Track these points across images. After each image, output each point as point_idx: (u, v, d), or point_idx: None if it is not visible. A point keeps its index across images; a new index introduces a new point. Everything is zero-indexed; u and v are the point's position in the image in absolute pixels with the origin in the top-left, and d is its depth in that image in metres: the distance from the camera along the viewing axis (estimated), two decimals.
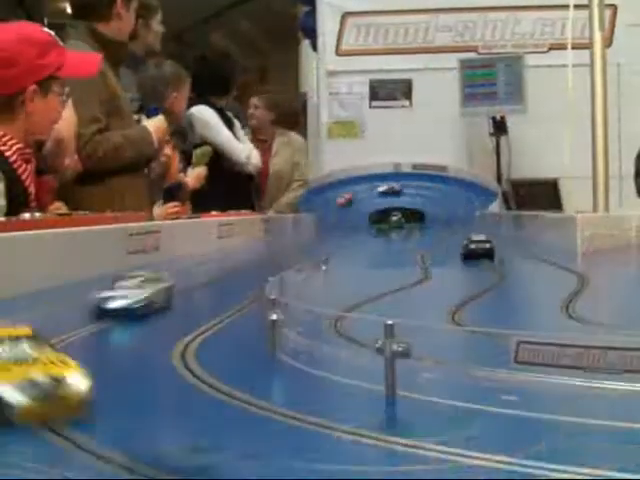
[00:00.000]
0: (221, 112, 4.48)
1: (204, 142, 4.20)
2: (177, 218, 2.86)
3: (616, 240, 2.27)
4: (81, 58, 2.37)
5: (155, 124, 3.04)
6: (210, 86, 4.34)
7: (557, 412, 0.58)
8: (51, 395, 0.58)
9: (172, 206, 3.15)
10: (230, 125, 4.52)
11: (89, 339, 0.98)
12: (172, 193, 3.32)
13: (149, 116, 3.10)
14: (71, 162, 2.45)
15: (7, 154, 2.03)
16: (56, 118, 2.27)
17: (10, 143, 2.05)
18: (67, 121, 2.39)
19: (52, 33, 2.22)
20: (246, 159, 4.47)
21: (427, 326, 0.77)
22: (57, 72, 2.19)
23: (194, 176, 3.78)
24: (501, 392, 0.62)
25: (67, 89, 2.34)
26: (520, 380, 0.62)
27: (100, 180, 2.77)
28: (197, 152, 3.87)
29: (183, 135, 3.92)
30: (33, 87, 2.13)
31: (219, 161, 4.38)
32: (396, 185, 2.89)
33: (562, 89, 2.74)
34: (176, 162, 3.41)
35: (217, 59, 4.62)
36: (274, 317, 0.79)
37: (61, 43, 2.24)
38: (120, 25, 3.00)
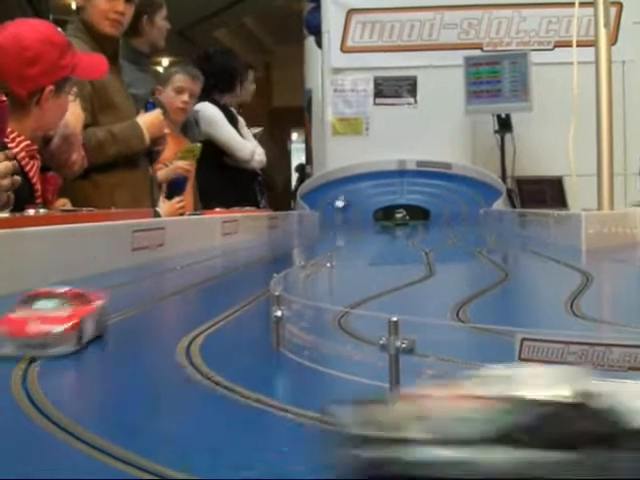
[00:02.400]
0: (225, 109, 4.48)
1: (208, 139, 4.19)
2: (182, 214, 2.85)
3: (621, 237, 2.27)
4: (89, 59, 2.37)
5: (149, 119, 2.97)
6: (214, 83, 4.34)
7: None
8: None
9: (178, 201, 3.14)
10: (234, 122, 4.51)
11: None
12: (180, 187, 3.30)
13: (147, 111, 3.07)
14: (78, 158, 2.44)
15: (14, 150, 2.03)
16: (64, 116, 2.28)
17: (18, 140, 2.05)
18: (74, 117, 2.39)
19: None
20: (250, 156, 4.47)
21: (431, 323, 0.77)
22: (72, 73, 2.20)
23: (168, 168, 3.64)
24: None
25: (75, 89, 2.34)
26: None
27: (83, 176, 2.61)
28: (182, 148, 3.78)
29: (185, 128, 3.91)
30: (50, 87, 2.14)
31: (223, 158, 4.39)
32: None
33: (567, 86, 2.74)
34: (171, 152, 3.36)
35: (221, 56, 4.61)
36: (278, 313, 0.79)
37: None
38: (86, 18, 2.90)
